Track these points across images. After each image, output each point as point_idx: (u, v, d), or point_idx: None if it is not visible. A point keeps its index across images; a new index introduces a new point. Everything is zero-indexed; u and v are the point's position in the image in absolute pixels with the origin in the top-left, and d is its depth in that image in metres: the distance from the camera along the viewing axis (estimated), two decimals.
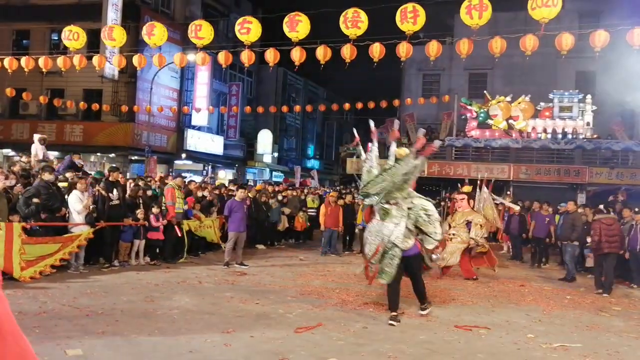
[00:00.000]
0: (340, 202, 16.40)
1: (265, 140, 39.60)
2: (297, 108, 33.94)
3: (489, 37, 12.63)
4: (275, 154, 41.94)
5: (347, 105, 28.56)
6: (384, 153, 8.70)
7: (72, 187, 11.29)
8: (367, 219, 8.89)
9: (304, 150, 48.92)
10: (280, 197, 18.06)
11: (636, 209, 13.03)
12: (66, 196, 11.02)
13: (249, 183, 28.11)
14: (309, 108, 33.25)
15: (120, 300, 8.50)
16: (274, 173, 42.56)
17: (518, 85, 28.39)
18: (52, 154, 18.27)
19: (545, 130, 26.84)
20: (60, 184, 11.45)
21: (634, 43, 10.92)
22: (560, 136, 26.50)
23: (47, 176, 10.60)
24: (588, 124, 26.57)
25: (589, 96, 26.73)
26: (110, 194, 11.49)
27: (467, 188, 13.64)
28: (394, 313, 8.08)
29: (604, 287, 11.68)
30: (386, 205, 8.15)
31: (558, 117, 26.85)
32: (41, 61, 15.92)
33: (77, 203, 10.78)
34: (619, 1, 26.83)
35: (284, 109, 31.33)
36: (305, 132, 49.08)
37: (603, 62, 23.82)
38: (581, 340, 7.57)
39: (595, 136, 26.48)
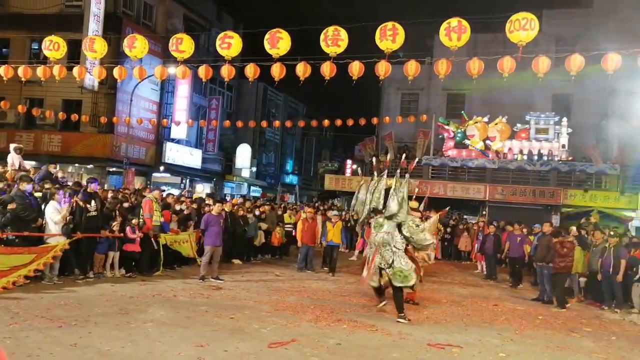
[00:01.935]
0: (314, 216, 16.48)
1: (243, 154, 39.57)
2: (277, 123, 34.06)
3: (468, 58, 12.82)
4: (254, 169, 41.90)
5: (326, 122, 28.67)
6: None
7: (47, 197, 11.18)
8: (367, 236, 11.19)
9: (283, 165, 48.94)
10: (257, 212, 18.05)
11: (611, 233, 13.31)
12: (42, 206, 10.92)
13: (226, 197, 28.04)
14: (288, 124, 33.32)
15: (94, 312, 8.43)
16: (252, 188, 42.49)
17: (495, 106, 28.78)
18: (29, 164, 18.07)
19: (521, 152, 27.25)
20: (36, 194, 11.33)
21: (608, 68, 11.17)
22: (536, 157, 26.92)
23: (24, 186, 10.51)
24: (563, 146, 27.04)
25: (564, 119, 27.23)
26: (88, 205, 11.42)
27: (413, 204, 13.65)
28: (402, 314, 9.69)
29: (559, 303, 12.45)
30: (380, 219, 10.11)
31: (534, 138, 27.30)
32: (20, 70, 15.77)
33: (54, 213, 10.68)
34: (595, 27, 27.52)
35: (264, 124, 31.39)
36: (285, 147, 49.14)
37: (579, 85, 24.34)
38: None
39: (570, 158, 26.94)
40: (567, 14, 31.15)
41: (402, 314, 9.60)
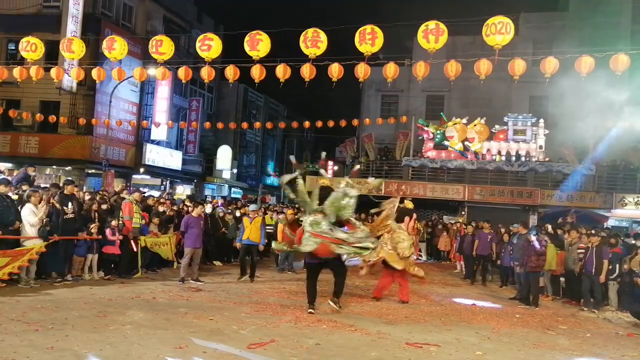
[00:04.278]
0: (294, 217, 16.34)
1: (224, 156, 39.44)
2: (258, 125, 33.96)
3: (446, 60, 12.97)
4: (235, 170, 41.79)
5: (307, 124, 28.76)
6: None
7: (23, 199, 11.06)
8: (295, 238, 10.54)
9: (264, 167, 48.89)
10: (238, 214, 18.01)
11: (592, 232, 13.50)
12: (19, 208, 10.80)
13: (207, 198, 27.94)
14: (269, 125, 33.33)
15: (71, 315, 8.38)
16: (232, 189, 42.39)
17: (474, 108, 29.06)
18: (6, 166, 17.87)
19: (499, 153, 27.51)
20: (13, 197, 11.20)
21: (582, 70, 11.41)
22: (513, 158, 27.21)
23: (2, 189, 10.38)
24: (540, 147, 27.35)
25: (541, 120, 27.55)
26: (65, 207, 11.33)
27: (409, 204, 13.70)
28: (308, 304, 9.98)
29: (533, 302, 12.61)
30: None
31: (512, 139, 27.57)
32: None
33: (30, 216, 10.58)
34: (571, 30, 27.93)
35: (244, 125, 31.31)
36: (265, 149, 49.11)
37: (555, 87, 24.63)
38: (527, 357, 7.83)
39: (547, 159, 27.26)
40: (544, 18, 31.58)
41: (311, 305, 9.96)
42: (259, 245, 13.92)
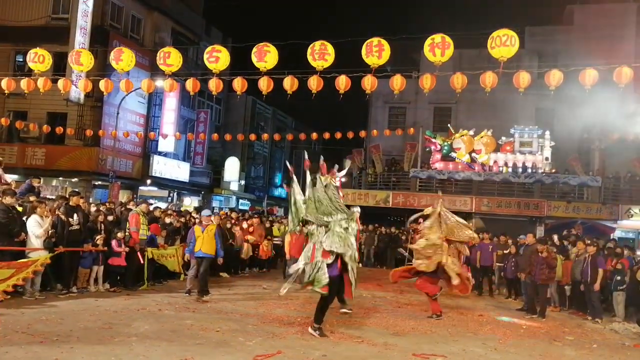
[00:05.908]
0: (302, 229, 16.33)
1: (232, 167, 39.50)
2: (265, 136, 34.01)
3: (453, 72, 12.99)
4: (242, 182, 41.82)
5: (314, 135, 28.81)
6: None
7: (29, 211, 11.09)
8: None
9: (272, 178, 48.92)
10: (245, 225, 18.02)
11: (590, 241, 13.49)
12: (24, 219, 10.83)
13: (214, 210, 27.94)
14: (277, 137, 33.37)
15: (76, 327, 8.38)
16: (240, 201, 42.40)
17: (481, 119, 29.05)
18: (12, 177, 17.92)
19: (506, 164, 27.44)
20: (18, 208, 11.24)
21: (586, 83, 11.44)
22: (520, 170, 27.14)
23: (8, 200, 10.41)
24: (547, 158, 27.27)
25: (547, 132, 27.51)
26: (70, 219, 11.34)
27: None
28: (317, 325, 8.89)
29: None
30: (311, 227, 9.35)
31: (518, 151, 27.51)
32: (4, 83, 15.71)
33: (36, 227, 10.60)
34: (576, 43, 28.01)
35: (252, 137, 31.34)
36: (273, 160, 49.16)
37: (561, 99, 24.64)
38: None
39: (553, 171, 27.19)
40: (549, 31, 31.77)
41: (316, 325, 8.91)
42: (219, 259, 12.42)
